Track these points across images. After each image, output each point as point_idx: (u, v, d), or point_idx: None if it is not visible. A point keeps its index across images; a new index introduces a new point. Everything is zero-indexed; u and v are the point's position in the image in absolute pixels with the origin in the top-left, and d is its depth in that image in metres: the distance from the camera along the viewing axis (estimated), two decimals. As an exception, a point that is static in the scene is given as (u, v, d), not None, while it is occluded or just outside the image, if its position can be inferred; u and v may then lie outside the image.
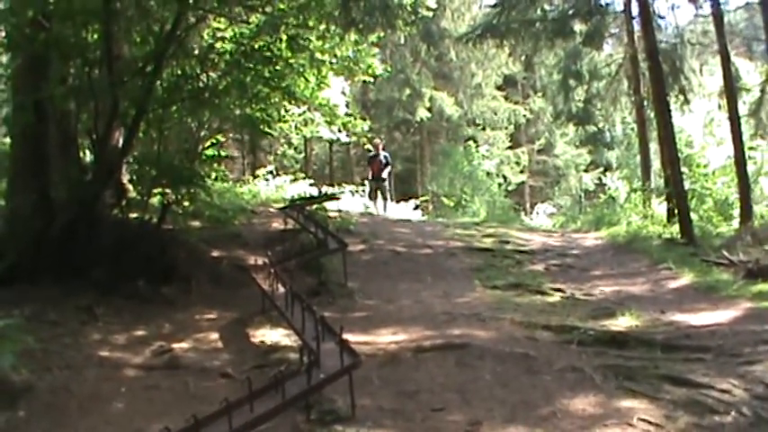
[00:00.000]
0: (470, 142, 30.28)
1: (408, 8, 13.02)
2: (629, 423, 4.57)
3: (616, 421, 4.62)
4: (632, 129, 24.20)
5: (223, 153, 12.34)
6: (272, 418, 4.50)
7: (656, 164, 18.39)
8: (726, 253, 10.79)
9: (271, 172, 21.83)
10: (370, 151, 20.84)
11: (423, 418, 4.89)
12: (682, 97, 18.02)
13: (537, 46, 19.34)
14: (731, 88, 14.96)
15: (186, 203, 9.92)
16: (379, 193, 19.74)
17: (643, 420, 4.60)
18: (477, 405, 5.06)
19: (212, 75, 10.08)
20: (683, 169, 14.92)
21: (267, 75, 10.37)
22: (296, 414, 4.90)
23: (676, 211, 13.82)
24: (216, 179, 12.08)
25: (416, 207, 23.83)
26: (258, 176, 21.56)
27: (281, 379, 4.55)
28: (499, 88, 36.73)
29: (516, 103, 37.33)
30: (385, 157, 20.13)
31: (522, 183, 36.39)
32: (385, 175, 19.64)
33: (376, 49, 16.98)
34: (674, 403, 4.87)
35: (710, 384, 5.17)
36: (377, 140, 21.18)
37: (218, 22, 11.25)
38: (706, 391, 5.03)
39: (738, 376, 5.34)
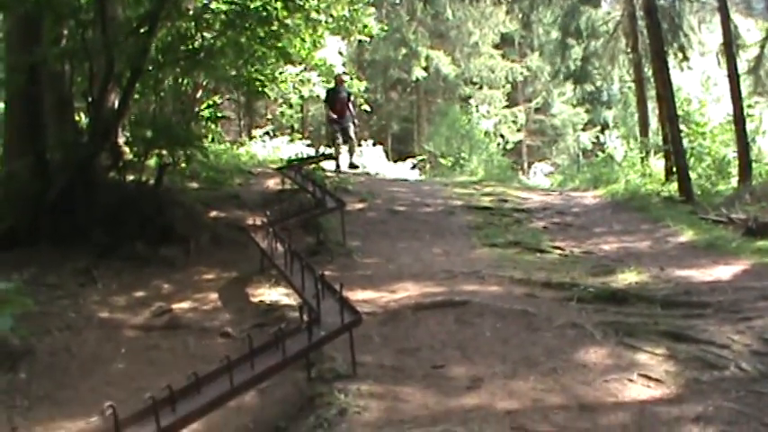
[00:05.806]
0: (468, 101, 30.07)
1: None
2: (630, 378, 4.58)
3: (616, 376, 4.63)
4: (630, 87, 24.05)
5: (219, 114, 12.27)
6: (272, 375, 4.51)
7: (653, 122, 18.31)
8: (725, 211, 10.79)
9: (267, 133, 21.69)
10: (332, 89, 16.21)
11: (424, 375, 4.90)
12: (680, 54, 17.91)
13: (534, 3, 19.29)
14: (730, 45, 14.84)
15: (183, 165, 9.89)
16: (343, 138, 15.51)
17: (643, 375, 4.61)
18: (477, 362, 5.07)
19: (207, 35, 10.00)
20: (682, 127, 14.85)
21: (262, 35, 10.27)
22: (296, 372, 4.93)
23: (675, 170, 13.83)
24: (212, 140, 12.02)
25: (414, 166, 23.74)
26: (255, 137, 21.44)
27: (281, 337, 4.54)
28: (496, 47, 36.39)
29: (513, 61, 37.00)
30: (348, 92, 16.32)
31: (520, 142, 36.18)
32: (351, 116, 15.68)
33: (371, 9, 16.86)
34: (674, 359, 4.88)
35: (710, 340, 5.19)
36: (340, 76, 16.86)
37: (213, -20, 11.13)
38: (706, 347, 5.04)
39: (738, 332, 5.35)
